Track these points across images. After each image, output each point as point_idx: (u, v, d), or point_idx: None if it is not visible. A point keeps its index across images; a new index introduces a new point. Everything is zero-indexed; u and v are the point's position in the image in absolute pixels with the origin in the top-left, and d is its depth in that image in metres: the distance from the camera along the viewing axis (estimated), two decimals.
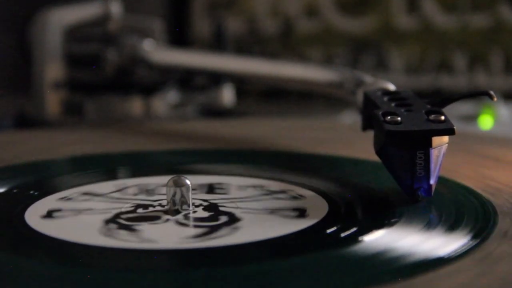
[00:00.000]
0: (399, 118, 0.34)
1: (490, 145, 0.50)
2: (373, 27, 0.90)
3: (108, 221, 0.33)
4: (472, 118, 0.69)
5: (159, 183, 0.38)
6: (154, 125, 0.62)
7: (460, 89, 0.86)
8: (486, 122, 0.69)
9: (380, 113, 0.34)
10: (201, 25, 0.97)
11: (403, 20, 0.89)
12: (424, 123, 0.33)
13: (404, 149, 0.33)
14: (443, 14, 0.87)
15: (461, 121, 0.67)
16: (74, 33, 0.68)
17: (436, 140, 0.33)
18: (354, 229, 0.31)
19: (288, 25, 0.93)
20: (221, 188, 0.38)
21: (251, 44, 0.94)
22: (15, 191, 0.38)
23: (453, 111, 0.66)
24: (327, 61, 0.91)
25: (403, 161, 0.33)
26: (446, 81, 0.87)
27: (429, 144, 0.33)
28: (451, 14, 0.87)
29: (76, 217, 0.33)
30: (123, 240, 0.30)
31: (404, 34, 0.89)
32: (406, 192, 0.34)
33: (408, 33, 0.89)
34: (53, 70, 0.67)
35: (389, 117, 0.34)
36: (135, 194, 0.37)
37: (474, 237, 0.30)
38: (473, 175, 0.40)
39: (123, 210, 0.34)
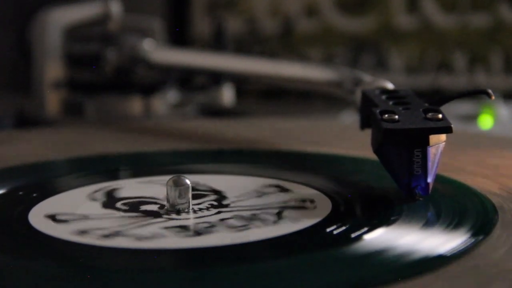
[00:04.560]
0: (396, 117, 0.34)
1: (490, 145, 0.50)
2: (373, 27, 0.90)
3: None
4: (472, 118, 0.69)
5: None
6: (154, 125, 0.62)
7: (460, 89, 0.86)
8: (486, 122, 0.69)
9: (378, 111, 0.34)
10: (201, 25, 0.97)
11: (403, 20, 0.89)
12: (421, 121, 0.33)
13: (402, 147, 0.33)
14: (443, 14, 0.87)
15: (461, 121, 0.67)
16: (74, 33, 0.69)
17: (433, 138, 0.33)
18: (354, 227, 0.31)
19: (288, 25, 0.94)
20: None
21: (251, 44, 0.95)
22: (15, 192, 0.38)
23: (453, 111, 0.67)
24: (327, 61, 0.91)
25: (401, 159, 0.33)
26: (446, 81, 0.87)
27: (426, 142, 0.33)
28: (451, 14, 0.87)
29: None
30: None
31: (404, 34, 0.89)
32: (404, 190, 0.34)
33: (408, 33, 0.89)
34: (53, 70, 0.67)
35: (386, 116, 0.34)
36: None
37: (474, 235, 0.30)
38: (473, 174, 0.40)
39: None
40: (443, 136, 0.34)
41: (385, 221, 0.31)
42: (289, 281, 0.26)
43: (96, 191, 0.38)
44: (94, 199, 0.36)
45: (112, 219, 0.33)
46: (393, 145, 0.33)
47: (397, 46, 0.89)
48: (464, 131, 0.57)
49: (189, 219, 0.33)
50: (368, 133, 0.37)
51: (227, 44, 0.71)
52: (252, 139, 0.53)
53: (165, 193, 0.34)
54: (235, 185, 0.38)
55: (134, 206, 0.35)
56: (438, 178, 0.34)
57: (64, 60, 0.68)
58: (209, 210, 0.34)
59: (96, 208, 0.35)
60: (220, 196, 0.36)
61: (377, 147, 0.34)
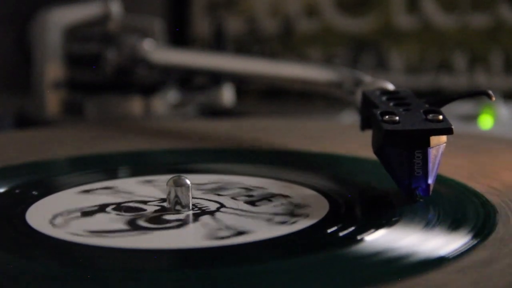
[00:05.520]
0: (397, 118, 0.34)
1: (490, 145, 0.50)
2: (373, 27, 0.90)
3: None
4: (472, 118, 0.69)
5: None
6: (154, 125, 0.62)
7: (460, 89, 0.86)
8: (486, 122, 0.69)
9: (378, 112, 0.34)
10: (201, 25, 0.97)
11: (403, 20, 0.89)
12: (422, 123, 0.33)
13: (402, 149, 0.33)
14: (443, 14, 0.87)
15: (461, 121, 0.67)
16: (74, 33, 0.69)
17: (434, 139, 0.33)
18: (354, 228, 0.31)
19: (288, 25, 0.93)
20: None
21: (251, 44, 0.95)
22: (15, 191, 0.38)
23: (453, 111, 0.66)
24: (327, 61, 0.91)
25: (401, 160, 0.33)
26: (446, 81, 0.87)
27: (427, 144, 0.33)
28: (451, 14, 0.87)
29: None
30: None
31: (404, 34, 0.89)
32: (404, 191, 0.34)
33: (408, 33, 0.89)
34: (53, 70, 0.67)
35: (387, 117, 0.34)
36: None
37: (475, 237, 0.30)
38: (473, 174, 0.40)
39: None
40: (443, 137, 0.34)
41: (386, 222, 0.31)
42: (288, 281, 0.26)
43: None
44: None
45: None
46: (393, 146, 0.33)
47: (397, 46, 0.89)
48: (464, 131, 0.57)
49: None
50: (368, 133, 0.37)
51: (227, 44, 0.71)
52: (252, 139, 0.53)
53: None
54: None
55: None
56: (439, 179, 0.34)
57: (64, 60, 0.68)
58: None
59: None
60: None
61: (378, 148, 0.34)
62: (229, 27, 0.83)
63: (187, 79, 0.70)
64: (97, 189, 0.38)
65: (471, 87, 0.85)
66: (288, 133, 0.57)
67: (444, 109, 0.35)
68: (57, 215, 0.34)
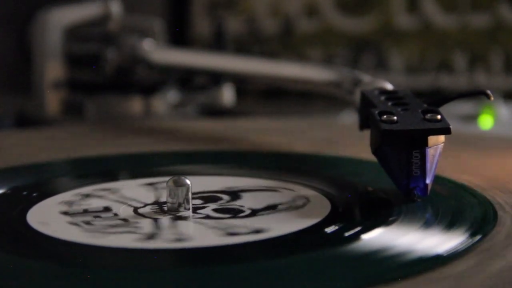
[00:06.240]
0: (395, 117, 0.34)
1: (490, 145, 0.50)
2: (373, 27, 0.90)
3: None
4: (472, 118, 0.69)
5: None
6: (154, 125, 0.62)
7: (460, 89, 0.86)
8: (486, 122, 0.69)
9: (376, 112, 0.34)
10: (201, 25, 0.97)
11: (403, 20, 0.89)
12: (420, 122, 0.33)
13: (400, 148, 0.33)
14: (443, 14, 0.87)
15: (461, 121, 0.68)
16: (74, 33, 0.69)
17: (432, 139, 0.33)
18: (353, 228, 0.31)
19: (288, 25, 0.94)
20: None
21: (251, 44, 0.95)
22: (15, 192, 0.38)
23: (453, 111, 0.67)
24: (327, 61, 0.91)
25: (399, 160, 0.33)
26: (446, 81, 0.87)
27: (425, 143, 0.33)
28: (451, 14, 0.87)
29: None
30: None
31: (404, 34, 0.89)
32: (402, 191, 0.34)
33: (408, 33, 0.89)
34: (53, 69, 0.67)
35: (385, 116, 0.34)
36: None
37: (472, 235, 0.30)
38: (472, 174, 0.40)
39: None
40: (441, 137, 0.34)
41: (384, 222, 0.31)
42: (289, 281, 0.26)
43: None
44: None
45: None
46: (391, 146, 0.33)
47: (397, 46, 0.89)
48: (464, 131, 0.57)
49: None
50: (367, 133, 0.37)
51: (227, 44, 0.71)
52: (252, 139, 0.53)
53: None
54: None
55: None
56: (437, 178, 0.34)
57: (64, 60, 0.68)
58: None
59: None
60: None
61: (376, 148, 0.34)
62: (229, 27, 0.83)
63: (187, 79, 0.70)
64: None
65: (471, 87, 0.85)
66: (288, 133, 0.57)
67: (444, 109, 0.35)
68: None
